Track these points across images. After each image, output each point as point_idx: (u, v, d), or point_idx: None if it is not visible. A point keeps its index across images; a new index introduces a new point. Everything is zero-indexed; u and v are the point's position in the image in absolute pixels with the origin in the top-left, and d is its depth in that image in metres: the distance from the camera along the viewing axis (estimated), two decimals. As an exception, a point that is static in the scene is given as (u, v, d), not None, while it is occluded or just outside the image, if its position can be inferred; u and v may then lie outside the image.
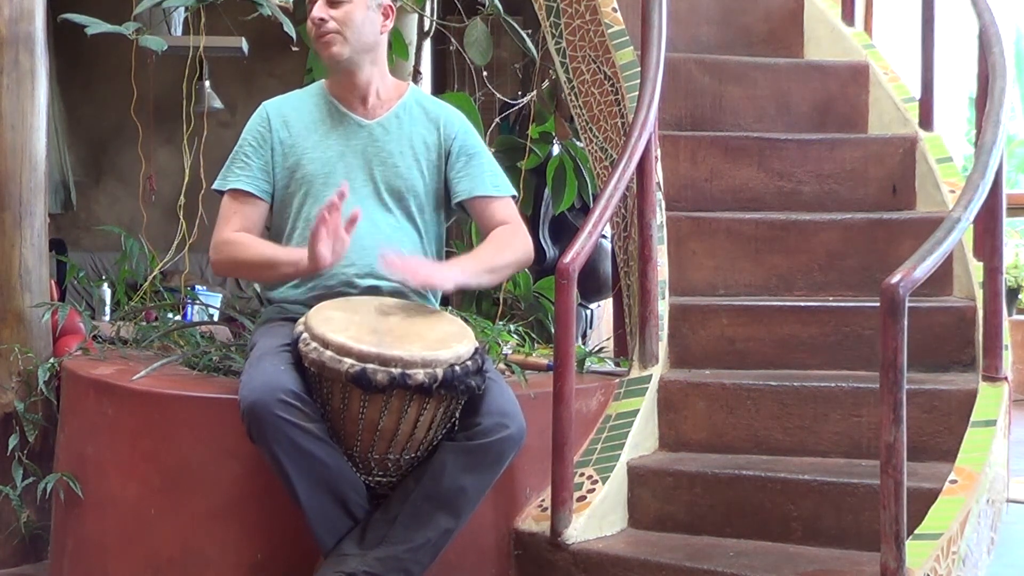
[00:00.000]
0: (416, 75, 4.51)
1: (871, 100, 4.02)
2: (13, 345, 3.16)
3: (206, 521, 2.70)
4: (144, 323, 3.48)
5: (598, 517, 2.91)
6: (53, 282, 3.47)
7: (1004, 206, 3.10)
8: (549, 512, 2.86)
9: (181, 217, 3.67)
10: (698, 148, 3.76)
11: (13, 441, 3.09)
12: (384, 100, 2.89)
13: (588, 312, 5.60)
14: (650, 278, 3.21)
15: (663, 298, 3.30)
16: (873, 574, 2.48)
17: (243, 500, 2.69)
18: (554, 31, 3.92)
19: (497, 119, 4.72)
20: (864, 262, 3.48)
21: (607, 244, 4.50)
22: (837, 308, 3.35)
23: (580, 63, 3.86)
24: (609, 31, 3.77)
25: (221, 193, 2.86)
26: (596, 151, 3.81)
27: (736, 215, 3.62)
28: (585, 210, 4.38)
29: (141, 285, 3.63)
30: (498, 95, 4.75)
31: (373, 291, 2.76)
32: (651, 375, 3.18)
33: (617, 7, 3.82)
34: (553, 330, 3.24)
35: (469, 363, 2.47)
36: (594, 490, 2.94)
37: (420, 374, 2.40)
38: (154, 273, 3.60)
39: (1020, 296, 6.80)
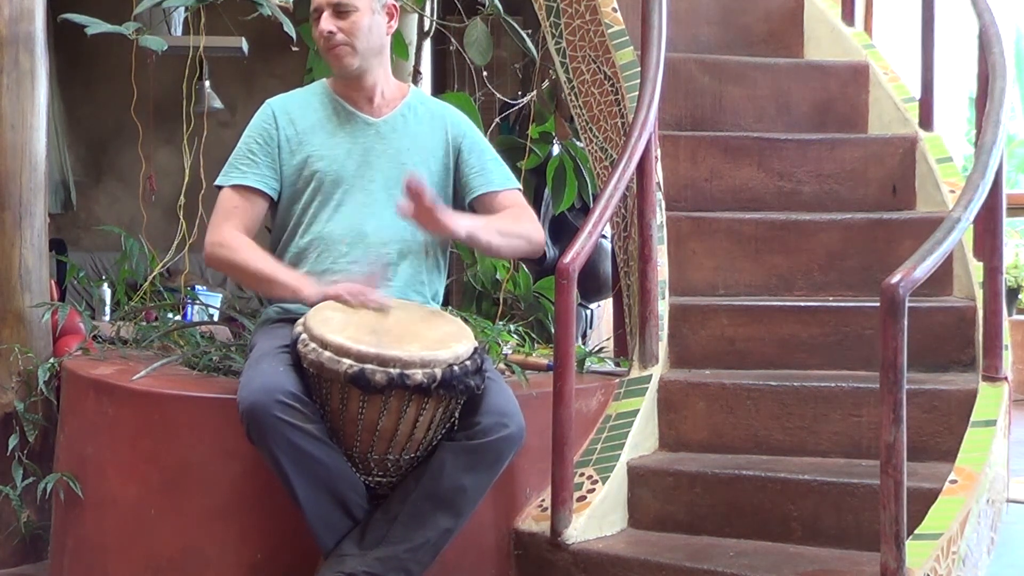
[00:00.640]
0: (416, 75, 4.51)
1: (871, 100, 4.03)
2: (13, 345, 3.16)
3: (206, 521, 2.70)
4: (144, 323, 3.48)
5: (598, 517, 2.91)
6: (53, 282, 3.47)
7: (1004, 206, 3.10)
8: (549, 512, 2.86)
9: (181, 217, 3.67)
10: (698, 148, 3.76)
11: (13, 441, 3.09)
12: (389, 100, 2.89)
13: (588, 312, 5.60)
14: (650, 278, 3.21)
15: (663, 298, 3.30)
16: (873, 574, 2.48)
17: (243, 500, 2.69)
18: (554, 31, 3.92)
19: (497, 119, 4.71)
20: (864, 262, 3.48)
21: (607, 244, 4.50)
22: (837, 308, 3.35)
23: (580, 63, 3.86)
24: (609, 31, 3.77)
25: (220, 189, 2.84)
26: (596, 151, 3.81)
27: (736, 215, 3.62)
28: (585, 210, 4.38)
29: (141, 285, 3.63)
30: (498, 95, 4.75)
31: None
32: (651, 375, 3.18)
33: (617, 7, 3.82)
34: (553, 330, 3.24)
35: (468, 363, 2.47)
36: (594, 490, 2.94)
37: (418, 374, 2.40)
38: (154, 273, 3.60)
39: (1020, 296, 6.80)
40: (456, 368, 2.44)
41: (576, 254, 2.85)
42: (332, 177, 2.80)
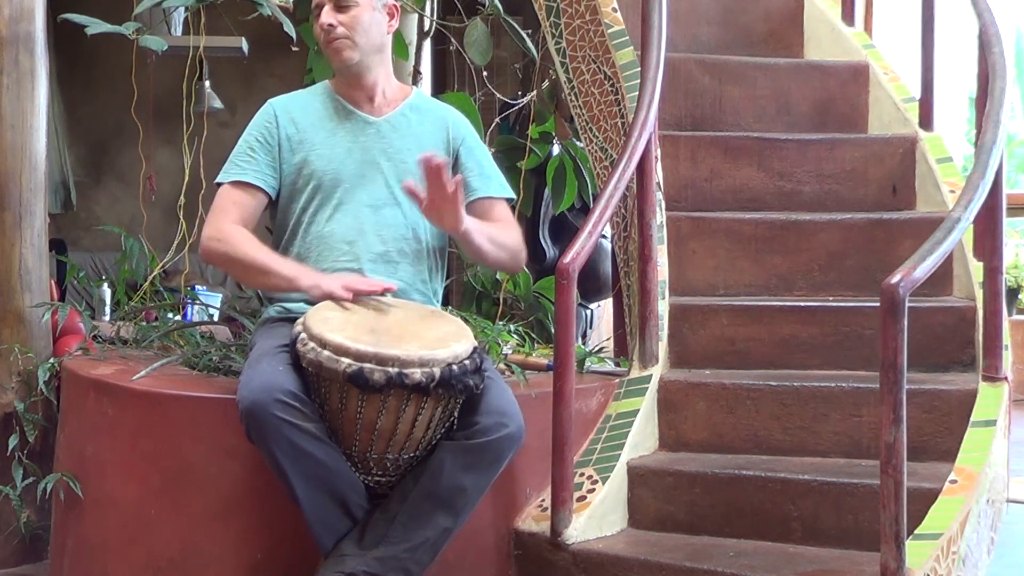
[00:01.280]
0: (416, 75, 4.50)
1: (871, 100, 4.02)
2: (13, 345, 3.16)
3: (206, 521, 2.70)
4: (144, 323, 3.48)
5: (598, 517, 2.91)
6: (53, 282, 3.47)
7: (1004, 206, 3.10)
8: (549, 512, 2.86)
9: (181, 217, 3.67)
10: (698, 148, 3.76)
11: (13, 441, 3.09)
12: (390, 99, 2.90)
13: (588, 312, 5.60)
14: (650, 278, 3.21)
15: (663, 298, 3.30)
16: (873, 574, 2.48)
17: (243, 500, 2.69)
18: (554, 31, 3.92)
19: (497, 119, 4.71)
20: (864, 262, 3.48)
21: (607, 244, 4.50)
22: (837, 308, 3.34)
23: (580, 63, 3.86)
24: (609, 31, 3.77)
25: (219, 187, 2.84)
26: (596, 151, 3.81)
27: (736, 215, 3.62)
28: (585, 210, 4.38)
29: (141, 285, 3.63)
30: (498, 95, 4.75)
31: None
32: (651, 375, 3.18)
33: (617, 7, 3.82)
34: (553, 330, 3.24)
35: (467, 362, 2.47)
36: (594, 490, 2.94)
37: (417, 373, 2.40)
38: (155, 272, 3.60)
39: (1020, 296, 6.80)
40: (455, 367, 2.44)
41: (576, 254, 2.85)
42: (331, 176, 2.80)
